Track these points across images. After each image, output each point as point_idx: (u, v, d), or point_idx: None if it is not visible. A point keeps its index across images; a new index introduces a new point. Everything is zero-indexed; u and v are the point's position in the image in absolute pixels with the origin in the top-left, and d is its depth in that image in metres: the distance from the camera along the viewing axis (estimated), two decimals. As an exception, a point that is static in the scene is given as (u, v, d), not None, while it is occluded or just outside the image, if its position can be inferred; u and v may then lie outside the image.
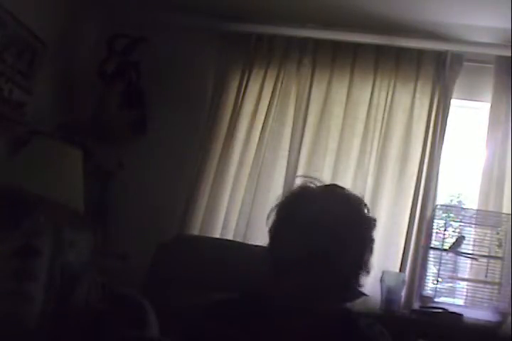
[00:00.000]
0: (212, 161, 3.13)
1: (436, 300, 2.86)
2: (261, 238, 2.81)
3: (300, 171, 3.05)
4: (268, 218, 1.36)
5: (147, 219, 3.07)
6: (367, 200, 2.91)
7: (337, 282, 1.29)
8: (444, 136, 3.03)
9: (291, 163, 3.07)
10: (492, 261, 2.87)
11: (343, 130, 3.10)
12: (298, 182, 1.40)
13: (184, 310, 1.60)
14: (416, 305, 2.83)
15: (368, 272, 1.32)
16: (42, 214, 2.18)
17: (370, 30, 3.10)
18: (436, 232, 2.98)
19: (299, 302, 1.28)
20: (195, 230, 3.04)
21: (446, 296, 2.92)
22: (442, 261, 2.91)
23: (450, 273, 2.95)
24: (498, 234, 2.91)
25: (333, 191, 1.38)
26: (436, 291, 2.89)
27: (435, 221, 2.96)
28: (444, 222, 2.98)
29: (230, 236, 2.99)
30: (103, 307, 2.03)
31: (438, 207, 2.99)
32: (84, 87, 3.19)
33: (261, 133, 3.13)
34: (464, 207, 3.16)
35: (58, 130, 2.89)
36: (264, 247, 1.37)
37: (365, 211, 1.35)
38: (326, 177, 3.01)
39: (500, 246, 2.90)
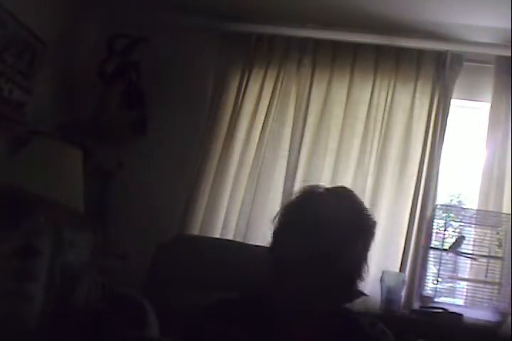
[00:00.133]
0: (212, 161, 3.13)
1: (436, 300, 2.86)
2: (261, 238, 2.84)
3: (300, 171, 3.06)
4: (273, 220, 1.36)
5: (147, 219, 3.07)
6: (367, 200, 2.93)
7: (338, 283, 1.29)
8: (444, 136, 3.03)
9: (291, 163, 3.07)
10: (492, 261, 2.87)
11: (343, 130, 3.10)
12: (302, 185, 1.41)
13: (184, 309, 1.60)
14: (416, 305, 2.82)
15: (366, 273, 1.33)
16: (42, 214, 2.18)
17: (370, 30, 3.10)
18: (436, 232, 2.98)
19: (300, 304, 1.28)
20: (195, 230, 3.03)
21: (446, 296, 2.92)
22: (442, 261, 2.91)
23: (450, 273, 2.95)
24: (498, 234, 2.91)
25: (338, 194, 1.38)
26: (436, 291, 2.89)
27: (435, 221, 2.96)
28: (444, 221, 2.98)
29: (230, 236, 2.99)
30: (103, 307, 2.03)
31: (438, 207, 2.99)
32: (84, 87, 3.19)
33: (261, 133, 3.13)
34: (464, 207, 3.16)
35: (58, 130, 2.89)
36: (264, 247, 1.38)
37: (368, 213, 1.35)
38: (326, 177, 3.02)
39: (500, 246, 2.90)
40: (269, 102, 3.16)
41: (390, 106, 3.09)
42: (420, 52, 3.12)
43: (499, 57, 3.04)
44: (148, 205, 3.12)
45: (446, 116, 3.06)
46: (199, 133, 3.21)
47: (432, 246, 2.93)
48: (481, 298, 2.82)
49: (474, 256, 2.89)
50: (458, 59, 3.09)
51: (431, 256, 2.92)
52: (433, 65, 3.10)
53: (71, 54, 3.22)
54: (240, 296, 1.37)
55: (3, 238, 2.05)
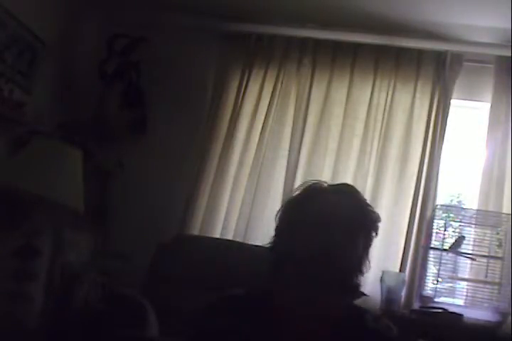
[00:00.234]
0: (212, 161, 3.13)
1: (436, 300, 2.86)
2: (261, 238, 2.83)
3: (300, 171, 3.06)
4: (276, 217, 1.37)
5: (147, 219, 3.07)
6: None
7: (340, 279, 1.30)
8: (444, 136, 3.03)
9: (291, 163, 3.07)
10: (492, 261, 2.87)
11: (343, 130, 3.10)
12: (305, 183, 1.41)
13: (189, 306, 1.60)
14: (416, 305, 2.83)
15: (368, 268, 1.34)
16: (42, 214, 2.19)
17: (370, 30, 3.10)
18: (436, 232, 2.98)
19: (303, 301, 1.28)
20: (195, 230, 3.03)
21: (446, 296, 2.92)
22: (442, 261, 2.91)
23: (450, 273, 2.95)
24: (498, 234, 2.91)
25: (340, 190, 1.38)
26: (436, 291, 2.89)
27: (435, 221, 2.96)
28: (444, 222, 2.98)
29: (230, 236, 2.99)
30: (103, 307, 2.03)
31: (438, 207, 2.99)
32: (84, 87, 3.19)
33: (261, 133, 3.13)
34: (464, 207, 3.16)
35: (58, 130, 2.89)
36: (264, 247, 1.38)
37: (370, 209, 1.36)
38: (326, 177, 3.01)
39: (500, 246, 2.90)
40: (269, 102, 3.16)
41: (390, 106, 3.09)
42: (420, 52, 3.12)
43: (499, 57, 3.04)
44: (148, 205, 3.12)
45: (446, 116, 3.06)
46: (199, 133, 3.21)
47: (432, 246, 2.93)
48: (481, 298, 2.82)
49: (474, 256, 2.89)
50: (458, 59, 3.09)
51: (431, 256, 2.92)
52: (433, 65, 3.10)
53: (71, 54, 3.22)
54: (246, 292, 1.37)
55: (3, 238, 2.06)
